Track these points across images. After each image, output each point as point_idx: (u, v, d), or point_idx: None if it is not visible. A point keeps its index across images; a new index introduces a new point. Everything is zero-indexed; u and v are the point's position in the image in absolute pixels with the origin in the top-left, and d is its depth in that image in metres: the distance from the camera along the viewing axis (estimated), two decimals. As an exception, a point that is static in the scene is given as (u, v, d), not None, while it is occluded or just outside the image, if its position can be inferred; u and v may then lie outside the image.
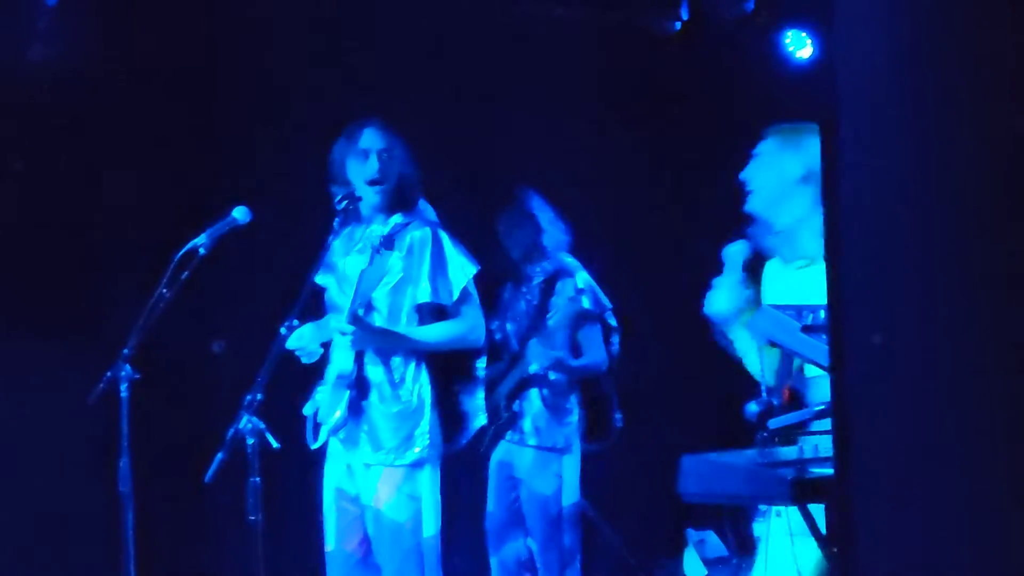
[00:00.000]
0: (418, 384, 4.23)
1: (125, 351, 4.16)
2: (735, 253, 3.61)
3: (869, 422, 2.89)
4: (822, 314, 4.18)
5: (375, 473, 4.24)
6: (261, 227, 4.37)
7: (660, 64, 5.57)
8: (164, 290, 4.14)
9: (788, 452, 4.32)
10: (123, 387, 4.14)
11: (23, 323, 5.36)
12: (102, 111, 5.46)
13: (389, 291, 4.26)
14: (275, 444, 4.25)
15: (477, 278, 4.30)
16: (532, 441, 5.14)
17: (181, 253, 4.14)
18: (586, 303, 5.04)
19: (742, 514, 5.05)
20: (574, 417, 5.18)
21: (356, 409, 4.25)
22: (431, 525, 4.25)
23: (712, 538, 5.09)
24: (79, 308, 5.41)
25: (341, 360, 4.23)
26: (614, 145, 5.49)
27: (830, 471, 3.25)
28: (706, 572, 4.93)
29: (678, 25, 5.61)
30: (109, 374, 4.15)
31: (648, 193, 5.53)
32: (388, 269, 4.20)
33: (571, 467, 5.16)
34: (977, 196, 2.75)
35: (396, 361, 4.24)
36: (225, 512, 4.69)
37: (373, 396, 4.24)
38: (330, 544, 4.35)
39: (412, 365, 4.24)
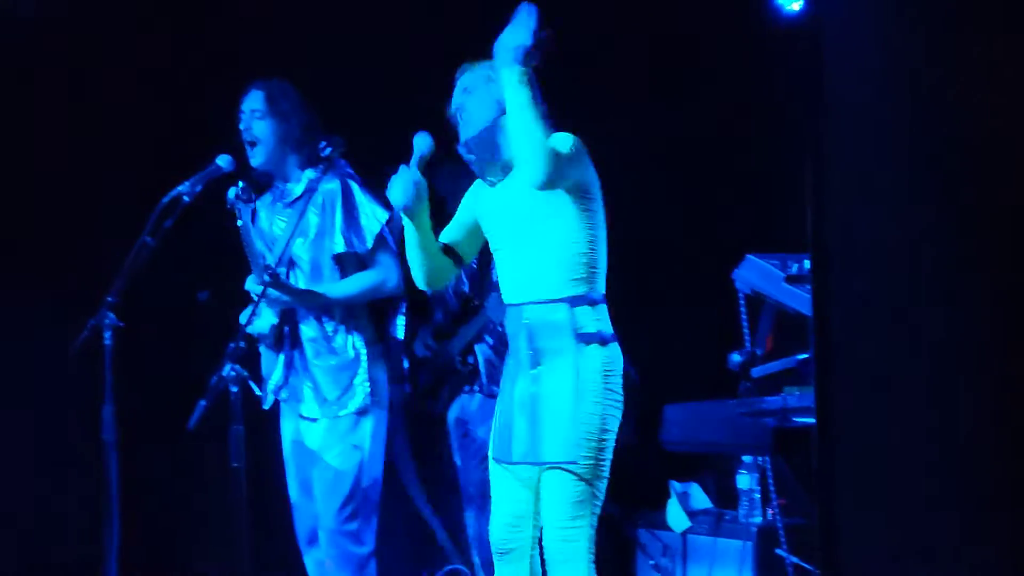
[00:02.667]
0: (351, 336, 4.28)
1: (108, 299, 4.14)
2: (419, 141, 3.67)
3: (851, 372, 2.89)
4: (807, 264, 4.19)
5: (321, 424, 4.31)
6: (245, 175, 4.35)
7: (647, 11, 5.53)
8: (148, 238, 4.12)
9: (771, 402, 4.34)
10: (107, 335, 4.13)
11: (5, 271, 5.34)
12: (84, 56, 5.42)
13: (309, 246, 4.31)
14: (258, 392, 4.27)
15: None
16: (486, 391, 5.19)
17: (165, 201, 4.12)
18: None
19: (725, 466, 5.08)
20: None
21: (296, 367, 4.32)
22: (371, 473, 4.33)
23: (696, 490, 5.11)
24: (62, 255, 5.39)
25: (267, 319, 4.27)
26: (595, 95, 5.46)
27: (813, 420, 3.26)
28: (689, 524, 4.94)
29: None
30: (92, 322, 4.14)
31: (633, 142, 5.50)
32: (301, 226, 4.25)
33: None
34: (959, 148, 2.75)
35: (325, 316, 4.29)
36: (208, 459, 4.70)
37: (309, 352, 4.30)
38: (293, 495, 4.40)
39: (340, 317, 4.29)
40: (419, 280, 3.78)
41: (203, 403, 3.76)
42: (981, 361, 2.68)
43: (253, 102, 4.33)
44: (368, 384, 4.29)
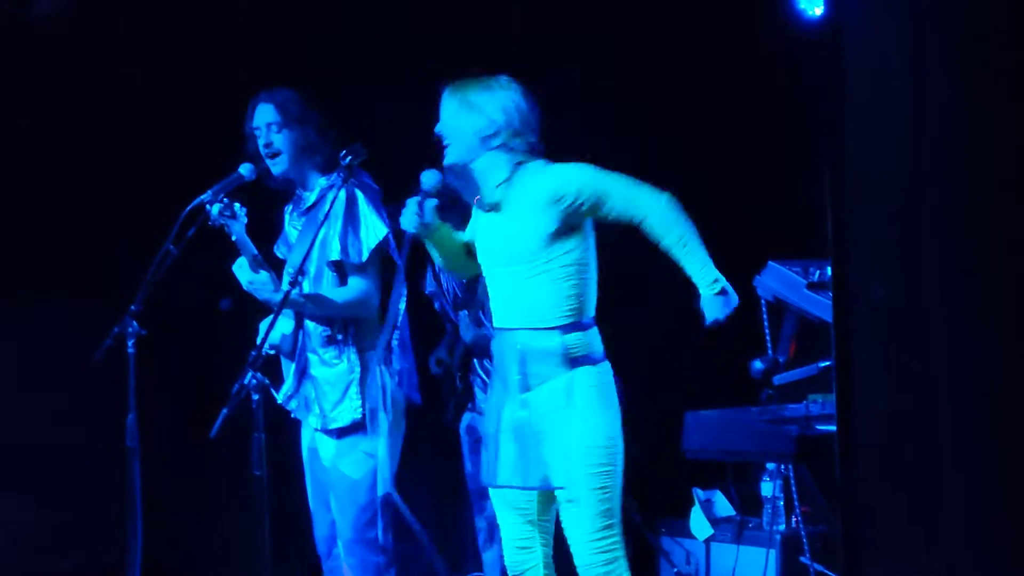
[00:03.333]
0: (347, 347, 4.27)
1: (132, 307, 4.16)
2: (425, 178, 3.77)
3: (873, 379, 2.88)
4: (829, 270, 4.17)
5: (329, 437, 4.30)
6: (263, 185, 4.37)
7: (670, 15, 5.53)
8: (171, 246, 4.14)
9: (794, 409, 4.32)
10: (130, 343, 4.16)
11: (31, 279, 5.37)
12: (109, 64, 5.45)
13: (316, 255, 4.30)
14: (280, 399, 4.28)
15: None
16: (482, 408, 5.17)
17: (188, 209, 4.14)
18: None
19: (748, 474, 5.06)
20: None
21: (304, 377, 4.32)
22: (385, 483, 4.30)
23: (719, 498, 5.10)
24: (86, 264, 5.42)
25: (281, 329, 4.29)
26: (617, 97, 5.46)
27: (835, 428, 3.24)
28: (712, 532, 4.93)
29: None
30: (116, 330, 4.17)
31: (653, 147, 5.49)
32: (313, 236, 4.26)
33: None
34: (982, 151, 2.73)
35: (323, 326, 4.28)
36: (230, 467, 4.71)
37: (314, 362, 4.30)
38: (311, 503, 4.42)
39: (338, 327, 4.28)
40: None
41: (225, 411, 3.76)
42: (1005, 366, 2.66)
43: (266, 116, 4.33)
44: (360, 397, 4.25)
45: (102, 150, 5.50)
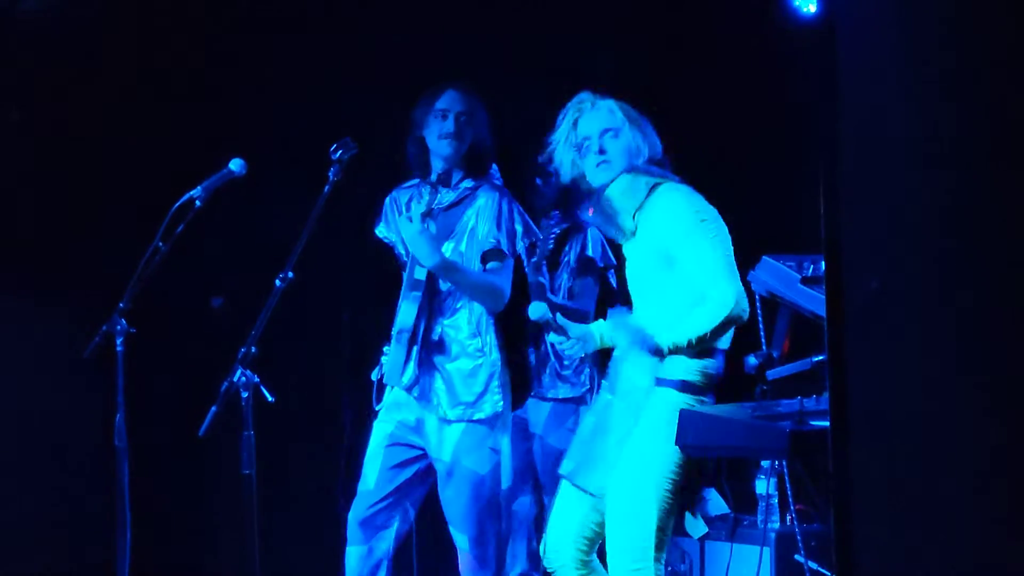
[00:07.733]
0: (489, 338, 4.37)
1: (120, 305, 4.15)
2: (533, 310, 3.97)
3: (866, 374, 2.86)
4: (823, 265, 4.16)
5: (456, 429, 4.32)
6: (257, 179, 4.35)
7: (663, 12, 5.52)
8: (160, 243, 4.13)
9: (788, 405, 4.30)
10: (118, 341, 4.14)
11: (18, 277, 5.35)
12: (99, 60, 5.43)
13: (464, 243, 4.39)
14: (269, 398, 4.26)
15: None
16: (550, 395, 5.15)
17: (177, 205, 4.13)
18: (591, 252, 5.13)
19: (743, 471, 5.05)
20: (586, 370, 5.19)
21: (429, 365, 4.35)
22: (507, 477, 4.42)
23: (714, 496, 5.08)
24: (74, 261, 5.40)
25: (405, 314, 4.30)
26: (612, 95, 5.44)
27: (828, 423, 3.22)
28: (707, 530, 4.91)
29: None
30: (104, 328, 4.15)
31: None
32: (458, 230, 4.39)
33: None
34: (975, 148, 2.72)
35: (466, 316, 4.36)
36: (219, 466, 4.70)
37: (453, 350, 4.35)
38: (368, 484, 4.40)
39: (478, 319, 4.36)
40: None
41: (214, 409, 3.76)
42: (998, 363, 2.64)
43: (459, 104, 4.43)
44: (499, 391, 4.35)
45: (89, 143, 5.49)
